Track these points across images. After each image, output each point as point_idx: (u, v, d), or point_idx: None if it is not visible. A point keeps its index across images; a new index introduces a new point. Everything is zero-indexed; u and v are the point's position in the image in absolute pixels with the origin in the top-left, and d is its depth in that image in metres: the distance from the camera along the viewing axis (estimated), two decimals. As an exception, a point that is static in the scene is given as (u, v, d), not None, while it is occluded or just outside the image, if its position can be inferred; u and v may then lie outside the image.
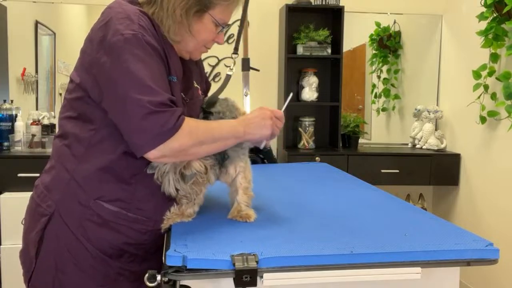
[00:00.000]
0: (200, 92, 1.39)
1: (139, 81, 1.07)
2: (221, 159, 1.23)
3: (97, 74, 1.13)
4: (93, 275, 1.22)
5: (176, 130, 1.07)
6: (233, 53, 1.55)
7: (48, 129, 3.29)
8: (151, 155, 1.09)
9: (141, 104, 1.05)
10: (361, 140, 3.73)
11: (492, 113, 3.01)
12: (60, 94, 3.52)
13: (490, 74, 2.98)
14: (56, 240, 1.21)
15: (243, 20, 1.52)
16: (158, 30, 1.19)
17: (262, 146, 1.27)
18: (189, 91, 1.31)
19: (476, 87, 3.05)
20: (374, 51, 3.80)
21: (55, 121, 3.38)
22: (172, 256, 0.95)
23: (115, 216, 1.20)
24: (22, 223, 1.32)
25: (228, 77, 1.46)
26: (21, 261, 1.30)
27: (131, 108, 1.06)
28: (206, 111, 1.30)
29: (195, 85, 1.36)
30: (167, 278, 0.94)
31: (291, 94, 1.42)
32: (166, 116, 1.06)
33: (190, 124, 1.12)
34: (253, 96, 3.22)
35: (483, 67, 3.01)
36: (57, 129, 1.30)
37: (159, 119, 1.05)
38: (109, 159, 1.19)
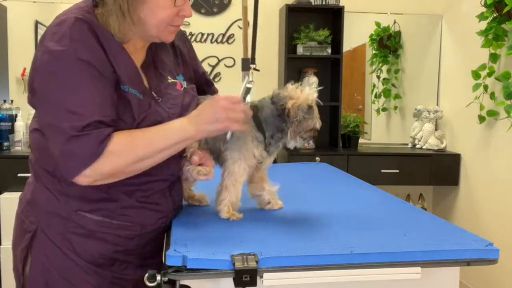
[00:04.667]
0: (180, 86, 1.26)
1: (61, 106, 1.03)
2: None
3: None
4: None
5: (99, 154, 1.03)
6: (251, 64, 1.49)
7: (48, 129, 3.28)
8: (79, 181, 1.05)
9: (62, 131, 1.02)
10: (361, 140, 3.72)
11: (491, 113, 3.01)
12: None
13: (490, 74, 2.98)
14: (43, 258, 1.17)
15: (255, 30, 1.45)
16: (101, 37, 1.09)
17: (228, 138, 1.22)
18: (160, 88, 1.21)
19: (475, 87, 3.05)
20: (374, 51, 3.80)
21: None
22: (172, 256, 0.95)
23: (99, 225, 1.16)
24: None
25: (248, 90, 1.42)
26: (14, 274, 1.26)
27: (54, 135, 1.04)
28: None
29: (171, 80, 1.25)
30: (167, 278, 0.94)
31: (247, 77, 1.26)
32: (88, 140, 1.02)
33: (122, 143, 1.06)
34: (253, 96, 3.22)
35: (483, 67, 3.01)
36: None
37: (80, 144, 1.02)
38: None
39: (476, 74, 3.04)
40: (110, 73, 1.09)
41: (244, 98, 1.23)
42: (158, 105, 1.18)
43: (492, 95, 2.99)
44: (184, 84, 1.28)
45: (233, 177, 1.24)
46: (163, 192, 1.22)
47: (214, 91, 1.46)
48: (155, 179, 1.19)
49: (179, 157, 1.24)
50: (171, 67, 1.27)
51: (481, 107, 3.08)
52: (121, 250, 1.20)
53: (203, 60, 3.59)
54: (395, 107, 3.84)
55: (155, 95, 1.19)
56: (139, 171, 1.12)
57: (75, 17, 1.08)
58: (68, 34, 1.05)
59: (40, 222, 1.18)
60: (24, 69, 3.37)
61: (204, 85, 1.42)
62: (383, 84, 3.82)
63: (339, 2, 3.52)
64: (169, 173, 1.22)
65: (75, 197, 1.14)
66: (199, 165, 1.24)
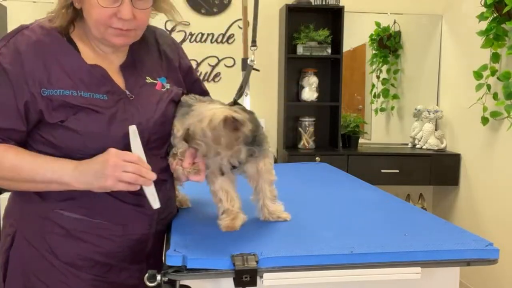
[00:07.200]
0: (160, 87, 1.24)
1: None
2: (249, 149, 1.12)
3: None
4: None
5: None
6: (251, 46, 1.46)
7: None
8: None
9: None
10: (361, 140, 3.73)
11: (495, 114, 3.00)
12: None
13: (493, 73, 2.98)
14: (21, 262, 1.16)
15: (256, 12, 1.43)
16: (45, 49, 1.12)
17: (154, 206, 1.11)
18: (134, 87, 1.20)
19: (479, 87, 3.04)
20: (374, 51, 3.80)
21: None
22: (172, 256, 0.95)
23: (78, 224, 1.15)
24: None
25: (250, 68, 1.36)
26: None
27: None
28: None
29: (149, 80, 1.23)
30: (167, 278, 0.94)
31: (131, 128, 1.12)
32: None
33: None
34: (253, 96, 3.22)
35: (484, 67, 3.01)
36: None
37: None
38: None
39: (478, 75, 3.03)
40: (27, 86, 1.09)
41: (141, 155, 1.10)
42: (130, 103, 1.17)
43: (496, 96, 2.99)
44: (167, 86, 1.27)
45: None
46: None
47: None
48: None
49: (160, 158, 1.21)
50: (152, 68, 1.26)
51: (484, 109, 3.07)
52: (102, 252, 1.18)
53: (203, 60, 3.59)
54: (392, 107, 3.83)
55: (128, 93, 1.18)
56: (9, 188, 1.13)
57: (27, 26, 1.16)
58: (6, 40, 1.12)
59: (18, 224, 1.17)
60: (24, 69, 3.37)
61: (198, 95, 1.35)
62: (382, 84, 3.82)
63: (339, 2, 3.52)
64: None
65: (52, 194, 1.13)
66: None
